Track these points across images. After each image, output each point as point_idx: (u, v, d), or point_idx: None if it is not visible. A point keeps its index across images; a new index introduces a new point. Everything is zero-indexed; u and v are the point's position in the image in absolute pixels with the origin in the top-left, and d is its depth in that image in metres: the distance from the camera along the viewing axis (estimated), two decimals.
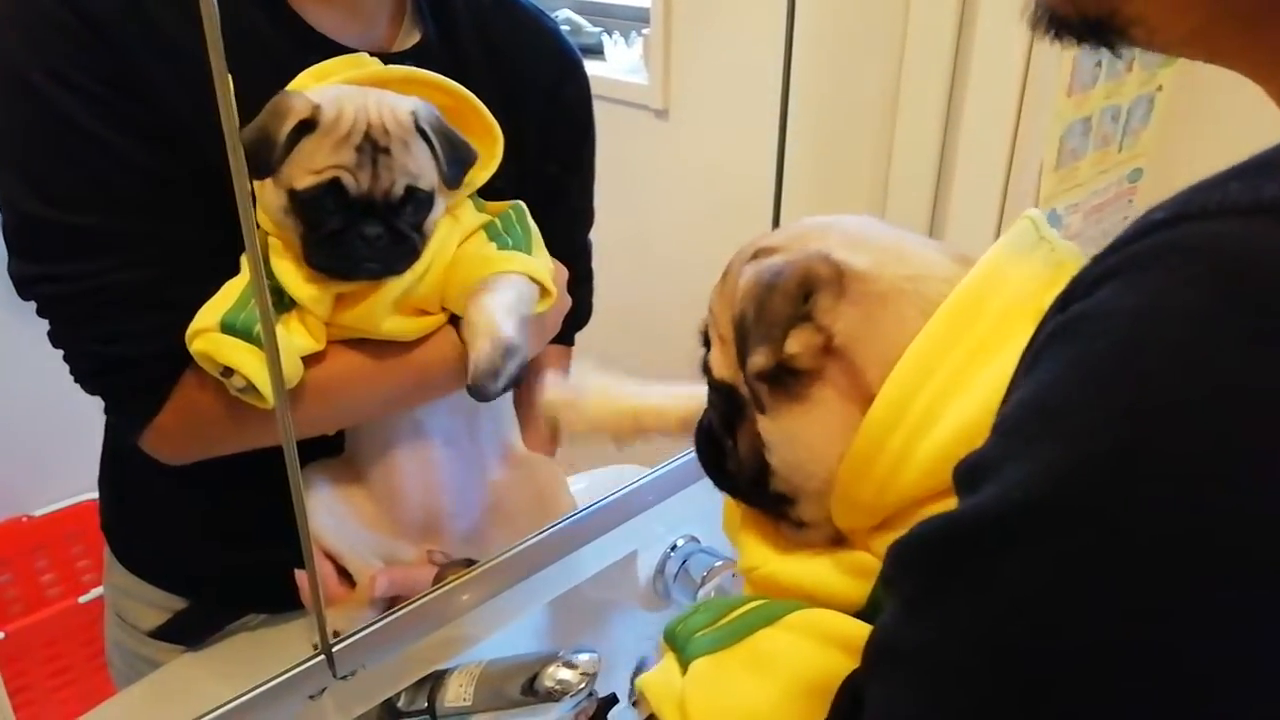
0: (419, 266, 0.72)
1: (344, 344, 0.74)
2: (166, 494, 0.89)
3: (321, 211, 0.68)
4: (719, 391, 0.54)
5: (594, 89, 0.97)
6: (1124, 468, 0.28)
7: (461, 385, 0.77)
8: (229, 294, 0.69)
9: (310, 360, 0.72)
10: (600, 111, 0.99)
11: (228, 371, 0.67)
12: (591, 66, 1.76)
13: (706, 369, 0.55)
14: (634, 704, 0.52)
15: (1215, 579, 0.26)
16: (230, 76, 0.51)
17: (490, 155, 0.75)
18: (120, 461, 0.92)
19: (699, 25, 1.58)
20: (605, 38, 1.84)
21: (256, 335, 0.67)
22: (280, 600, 0.84)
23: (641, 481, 0.89)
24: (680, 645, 0.51)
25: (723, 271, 0.55)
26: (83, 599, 1.63)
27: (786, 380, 0.47)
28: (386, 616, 0.74)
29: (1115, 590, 0.28)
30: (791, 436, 0.49)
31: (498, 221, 0.77)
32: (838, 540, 0.51)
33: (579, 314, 1.01)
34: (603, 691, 0.93)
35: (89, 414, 0.83)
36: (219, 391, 0.69)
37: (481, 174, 0.75)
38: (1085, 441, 0.29)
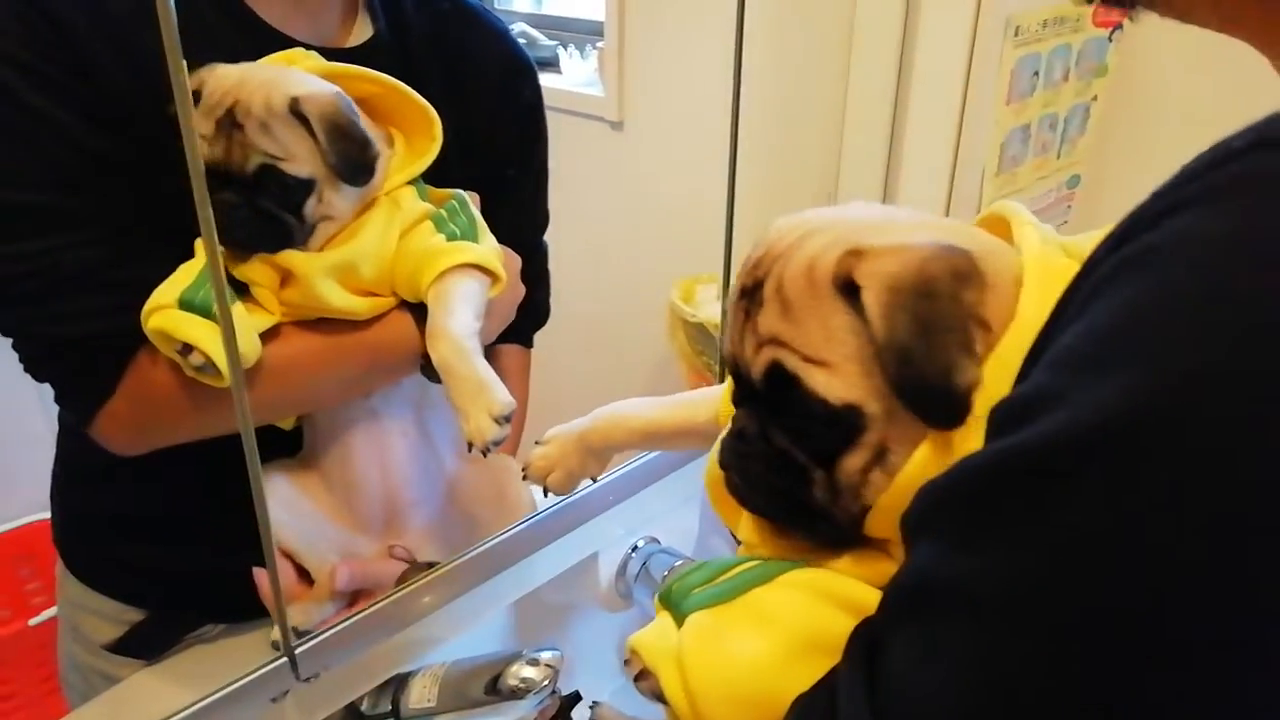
0: (359, 246, 0.72)
1: (300, 326, 0.74)
2: (118, 502, 0.88)
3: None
4: (827, 419, 0.46)
5: (551, 101, 0.99)
6: (1222, 386, 0.25)
7: (415, 368, 0.77)
8: (187, 273, 0.69)
9: (267, 339, 0.72)
10: (557, 123, 1.00)
11: (186, 349, 0.67)
12: (547, 79, 1.77)
13: (812, 398, 0.46)
14: (625, 663, 0.52)
15: None
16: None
17: (429, 138, 0.76)
18: (72, 471, 0.91)
19: (651, 39, 1.61)
20: (561, 51, 1.86)
21: (216, 313, 0.66)
22: (238, 609, 0.83)
23: (600, 483, 0.90)
24: (675, 601, 0.50)
25: (770, 292, 0.48)
26: (33, 622, 1.61)
27: None
28: (349, 618, 0.74)
29: (1210, 519, 0.25)
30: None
31: (443, 211, 0.77)
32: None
33: (537, 314, 1.01)
34: (565, 690, 0.94)
35: (35, 432, 0.82)
36: (174, 372, 0.69)
37: (423, 160, 0.76)
38: (1173, 361, 0.27)
